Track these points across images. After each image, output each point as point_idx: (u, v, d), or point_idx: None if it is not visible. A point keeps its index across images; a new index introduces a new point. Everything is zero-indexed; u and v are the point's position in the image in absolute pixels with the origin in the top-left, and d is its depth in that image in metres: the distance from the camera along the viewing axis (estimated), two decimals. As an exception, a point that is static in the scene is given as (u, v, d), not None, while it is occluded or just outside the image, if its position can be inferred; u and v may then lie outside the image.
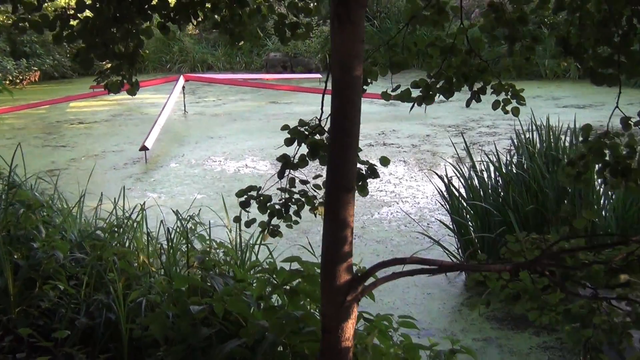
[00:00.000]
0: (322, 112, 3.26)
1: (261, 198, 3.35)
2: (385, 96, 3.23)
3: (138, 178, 8.48)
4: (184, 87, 12.47)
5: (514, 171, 5.27)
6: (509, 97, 3.35)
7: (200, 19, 3.79)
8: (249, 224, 3.37)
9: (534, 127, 5.86)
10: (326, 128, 3.41)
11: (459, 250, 5.33)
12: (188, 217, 4.60)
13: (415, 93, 3.28)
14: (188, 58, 19.10)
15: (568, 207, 2.88)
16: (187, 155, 9.58)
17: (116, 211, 4.60)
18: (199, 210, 5.33)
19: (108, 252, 3.91)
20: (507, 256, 2.99)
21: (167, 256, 4.00)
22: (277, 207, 3.37)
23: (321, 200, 3.47)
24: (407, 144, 9.83)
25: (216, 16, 3.78)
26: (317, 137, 3.29)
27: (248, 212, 3.40)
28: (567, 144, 5.54)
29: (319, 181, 3.44)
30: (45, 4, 3.41)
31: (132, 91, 3.94)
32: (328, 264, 2.33)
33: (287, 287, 3.14)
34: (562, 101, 12.67)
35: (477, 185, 5.33)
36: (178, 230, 4.28)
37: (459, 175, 5.48)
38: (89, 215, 5.12)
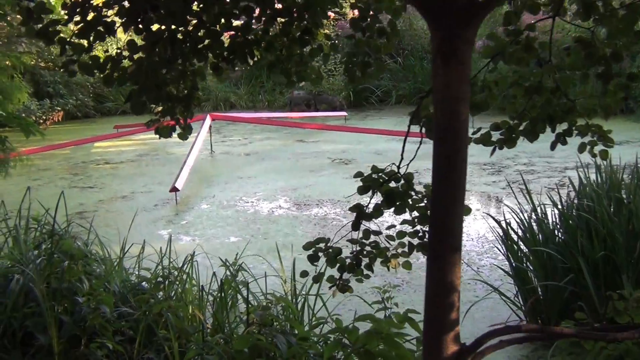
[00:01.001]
0: (402, 157, 3.02)
1: (330, 251, 3.09)
2: (464, 139, 2.98)
3: (170, 220, 8.25)
4: (210, 127, 12.30)
5: (574, 213, 4.98)
6: (594, 138, 3.12)
7: (256, 59, 3.59)
8: (317, 278, 3.12)
9: (581, 165, 5.52)
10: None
11: (518, 297, 5.03)
12: (236, 267, 4.36)
13: (495, 136, 3.06)
14: (211, 97, 19.01)
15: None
16: (218, 196, 9.35)
17: (161, 260, 4.35)
18: (237, 255, 5.08)
19: (157, 306, 3.65)
20: (611, 315, 2.71)
21: (220, 311, 3.74)
22: (347, 260, 3.12)
23: (394, 252, 3.22)
24: (443, 183, 9.55)
25: (269, 56, 3.59)
26: (392, 184, 3.05)
27: (316, 265, 3.15)
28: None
29: (392, 232, 3.20)
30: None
31: (184, 135, 3.73)
32: (432, 333, 2.05)
33: (362, 349, 2.87)
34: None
35: (536, 228, 5.03)
36: (228, 280, 4.02)
37: (515, 217, 5.19)
38: (126, 263, 4.88)
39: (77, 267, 3.95)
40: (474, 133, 2.99)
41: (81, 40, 3.24)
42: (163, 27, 3.31)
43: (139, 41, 3.33)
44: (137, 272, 4.57)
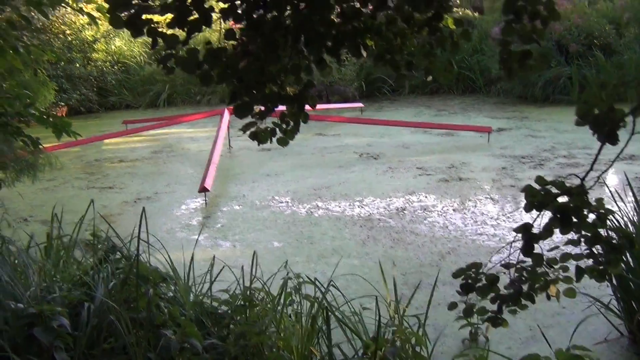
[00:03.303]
0: (591, 168, 2.56)
1: (483, 278, 2.62)
2: None
3: (203, 224, 7.74)
4: (229, 121, 11.77)
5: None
6: None
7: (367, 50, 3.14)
8: (468, 312, 2.65)
9: None
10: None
11: (620, 310, 4.58)
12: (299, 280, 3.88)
13: None
14: (217, 89, 18.41)
15: None
16: (248, 195, 8.85)
17: (242, 280, 3.86)
18: (286, 262, 4.60)
19: (255, 338, 3.17)
20: None
21: (325, 343, 3.26)
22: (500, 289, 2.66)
23: (553, 276, 2.76)
24: (485, 178, 9.07)
25: (372, 45, 3.13)
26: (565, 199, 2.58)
27: (469, 298, 2.67)
28: None
29: (556, 254, 2.73)
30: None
31: (285, 141, 3.26)
32: None
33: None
34: None
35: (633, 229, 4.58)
36: (325, 306, 3.53)
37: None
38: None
39: (153, 291, 3.45)
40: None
41: (176, 31, 2.77)
42: (269, 15, 2.84)
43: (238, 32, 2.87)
44: (206, 293, 4.07)
